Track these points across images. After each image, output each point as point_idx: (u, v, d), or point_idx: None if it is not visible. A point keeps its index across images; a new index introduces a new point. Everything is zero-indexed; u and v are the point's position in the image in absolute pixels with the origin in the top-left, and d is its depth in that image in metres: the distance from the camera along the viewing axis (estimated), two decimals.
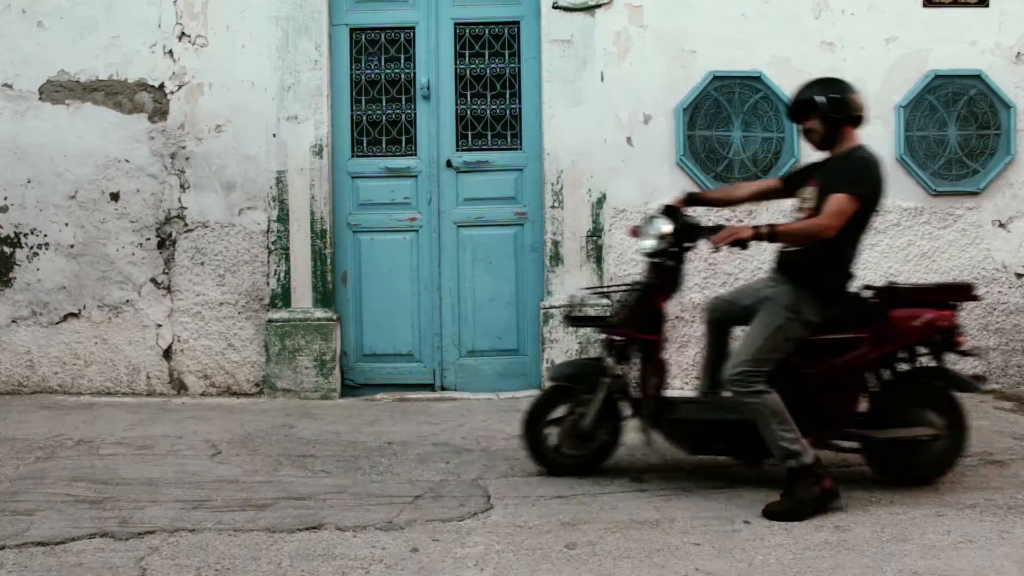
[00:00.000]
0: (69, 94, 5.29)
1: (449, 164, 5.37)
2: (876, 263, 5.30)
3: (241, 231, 5.29)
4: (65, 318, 5.32)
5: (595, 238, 5.25)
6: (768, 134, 5.29)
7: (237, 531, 3.05)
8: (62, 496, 3.42)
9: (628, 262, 5.23)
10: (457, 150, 5.40)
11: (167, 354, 5.31)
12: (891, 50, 5.31)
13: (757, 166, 5.29)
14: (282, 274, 5.28)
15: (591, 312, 4.89)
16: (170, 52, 5.28)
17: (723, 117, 5.29)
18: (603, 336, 3.61)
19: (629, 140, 5.29)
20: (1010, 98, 5.31)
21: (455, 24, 5.41)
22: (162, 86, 5.28)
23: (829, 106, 3.32)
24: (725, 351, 3.62)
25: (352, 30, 5.42)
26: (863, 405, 3.47)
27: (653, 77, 5.29)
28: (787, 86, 5.25)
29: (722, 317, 3.66)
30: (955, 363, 3.59)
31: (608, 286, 3.89)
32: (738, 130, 5.29)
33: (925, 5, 5.33)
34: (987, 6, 5.33)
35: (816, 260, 3.31)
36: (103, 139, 5.29)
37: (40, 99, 5.29)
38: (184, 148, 5.28)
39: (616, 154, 5.26)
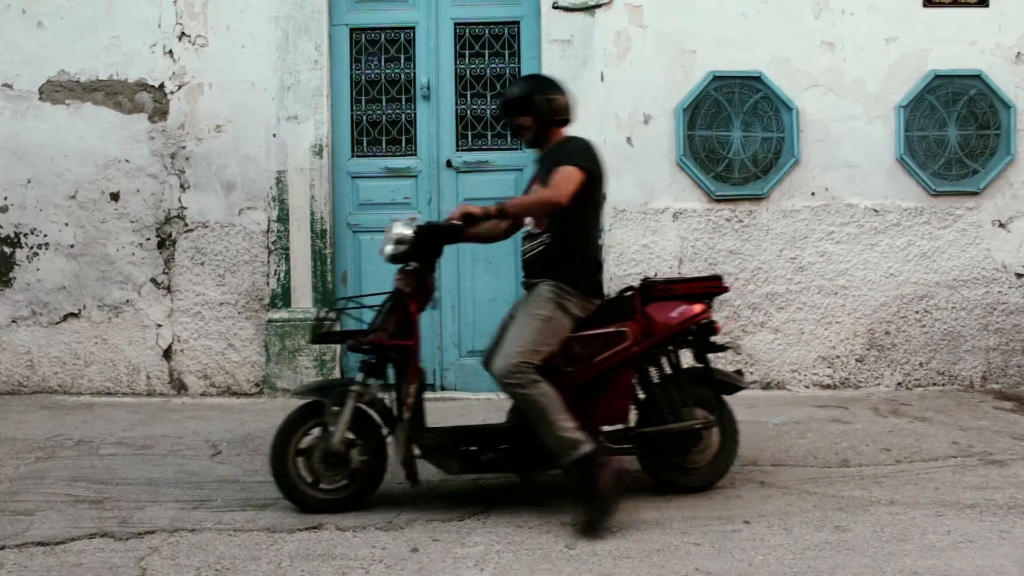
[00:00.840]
0: (69, 94, 5.29)
1: (449, 164, 5.37)
2: (876, 263, 5.30)
3: (241, 231, 5.29)
4: (65, 318, 5.32)
5: None
6: (768, 134, 5.29)
7: (237, 531, 3.05)
8: (62, 496, 3.42)
9: (628, 262, 5.23)
10: (457, 150, 5.40)
11: (167, 354, 5.31)
12: (891, 50, 5.31)
13: (757, 166, 5.29)
14: (282, 274, 5.28)
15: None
16: (170, 52, 5.28)
17: (723, 117, 5.29)
18: (354, 353, 3.29)
19: (629, 140, 5.29)
20: (1010, 98, 5.30)
21: (455, 24, 5.41)
22: (162, 86, 5.28)
23: (546, 107, 3.35)
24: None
25: (352, 30, 5.42)
26: (632, 416, 3.37)
27: (653, 77, 5.29)
28: (787, 86, 5.27)
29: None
30: (719, 361, 3.48)
31: (359, 297, 3.59)
32: (738, 130, 5.29)
33: (925, 5, 5.33)
34: (987, 6, 5.33)
35: (564, 254, 3.28)
36: (103, 139, 5.29)
37: (40, 99, 5.29)
38: (184, 148, 5.28)
39: (616, 154, 5.24)
